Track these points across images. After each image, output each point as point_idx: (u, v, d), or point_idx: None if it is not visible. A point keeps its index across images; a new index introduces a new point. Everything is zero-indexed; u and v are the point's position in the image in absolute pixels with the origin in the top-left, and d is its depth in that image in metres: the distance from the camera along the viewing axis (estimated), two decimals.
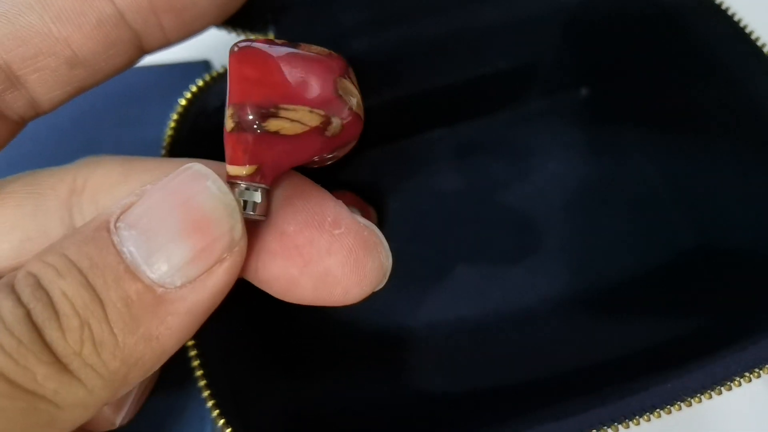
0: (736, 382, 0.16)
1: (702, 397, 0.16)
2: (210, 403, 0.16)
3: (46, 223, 0.13)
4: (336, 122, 0.11)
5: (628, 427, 0.15)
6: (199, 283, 0.11)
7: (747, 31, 0.21)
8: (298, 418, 0.23)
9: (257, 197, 0.11)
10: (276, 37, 0.21)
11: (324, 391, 0.24)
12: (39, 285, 0.10)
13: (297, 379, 0.24)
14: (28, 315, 0.10)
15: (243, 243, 0.11)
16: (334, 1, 0.21)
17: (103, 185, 0.13)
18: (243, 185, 0.11)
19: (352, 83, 0.12)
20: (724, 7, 0.22)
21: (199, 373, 0.16)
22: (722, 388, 0.16)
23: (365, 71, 0.24)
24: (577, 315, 0.24)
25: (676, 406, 0.16)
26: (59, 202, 0.13)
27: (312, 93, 0.11)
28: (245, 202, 0.11)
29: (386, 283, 0.25)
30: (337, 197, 0.25)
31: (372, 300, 0.25)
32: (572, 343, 0.23)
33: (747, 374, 0.16)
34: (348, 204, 0.25)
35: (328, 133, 0.11)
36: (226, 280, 0.11)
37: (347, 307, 0.25)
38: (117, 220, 0.11)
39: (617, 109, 0.28)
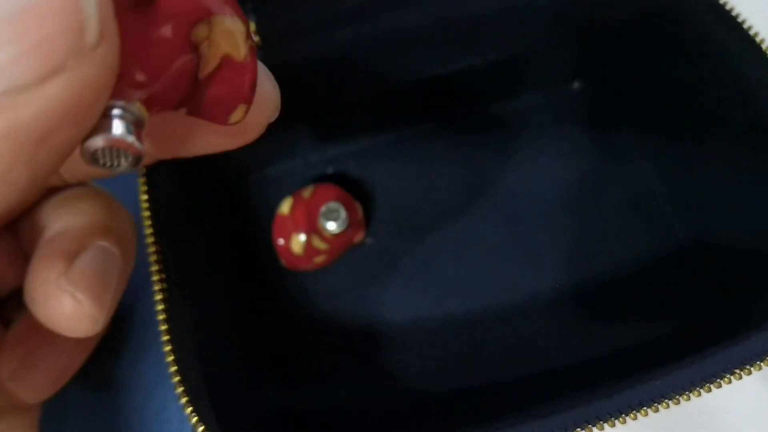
0: (726, 379, 0.15)
1: (691, 394, 0.15)
2: (183, 400, 0.16)
3: None
4: None
5: (613, 425, 0.15)
6: (24, 93, 0.08)
7: (745, 26, 0.21)
8: (280, 418, 0.22)
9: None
10: (258, 28, 0.21)
11: (308, 390, 0.23)
12: None
13: (280, 378, 0.23)
14: None
15: (103, 53, 0.08)
16: None
17: None
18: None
19: None
20: (721, 1, 0.21)
21: (173, 369, 0.16)
22: (711, 386, 0.15)
23: (350, 62, 0.23)
24: (567, 312, 0.24)
25: (664, 403, 0.15)
26: None
27: None
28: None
29: (373, 278, 0.25)
30: (323, 190, 0.25)
31: (359, 295, 0.25)
32: (562, 340, 0.23)
33: (737, 371, 0.15)
34: (333, 198, 0.24)
35: None
36: (66, 98, 0.08)
37: (332, 303, 0.25)
38: None
39: (610, 103, 0.28)
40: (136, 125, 0.09)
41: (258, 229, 0.25)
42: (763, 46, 0.21)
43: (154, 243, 0.17)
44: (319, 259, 0.24)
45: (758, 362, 0.15)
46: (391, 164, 0.27)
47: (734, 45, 0.21)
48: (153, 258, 0.16)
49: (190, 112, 0.10)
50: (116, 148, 0.09)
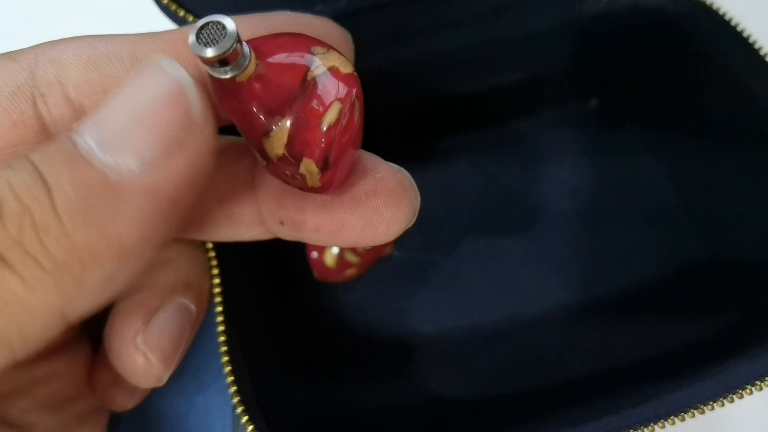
0: (747, 390, 0.16)
1: (714, 404, 0.16)
2: (235, 399, 0.17)
3: None
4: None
5: None
6: (156, 167, 0.10)
7: (750, 41, 0.22)
8: (317, 422, 0.23)
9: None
10: None
11: (343, 396, 0.24)
12: None
13: (317, 384, 0.24)
14: None
15: (207, 128, 0.10)
16: (353, 17, 0.21)
17: None
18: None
19: None
20: (727, 18, 0.22)
21: (230, 379, 0.17)
22: (734, 396, 0.16)
23: (381, 84, 0.24)
24: (589, 322, 0.25)
25: (690, 413, 0.16)
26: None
27: None
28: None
29: (401, 289, 0.26)
30: None
31: (387, 306, 0.26)
32: (585, 350, 0.24)
33: (758, 382, 0.16)
34: None
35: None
36: (188, 164, 0.10)
37: (362, 314, 0.26)
38: (80, 124, 0.10)
39: (627, 119, 0.29)
40: (240, 45, 0.11)
41: (292, 242, 0.26)
42: None
43: (218, 265, 0.18)
44: (350, 272, 0.25)
45: None
46: (417, 178, 0.28)
47: (744, 64, 0.22)
48: (217, 281, 0.17)
49: (296, 118, 0.12)
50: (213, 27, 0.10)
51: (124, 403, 0.17)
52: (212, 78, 0.11)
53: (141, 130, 0.10)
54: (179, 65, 0.11)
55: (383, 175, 0.14)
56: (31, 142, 0.12)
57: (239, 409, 0.17)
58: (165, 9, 0.20)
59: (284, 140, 0.12)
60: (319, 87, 0.12)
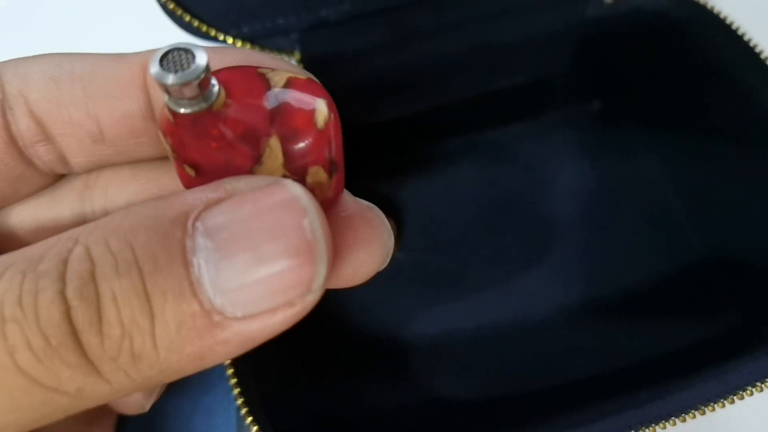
0: (749, 392, 0.16)
1: (716, 405, 0.16)
2: (239, 401, 0.17)
3: (60, 211, 0.14)
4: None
5: None
6: (259, 319, 0.10)
7: (751, 44, 0.22)
8: (321, 423, 0.23)
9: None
10: (302, 56, 0.22)
11: (347, 397, 0.24)
12: (91, 278, 0.09)
13: (321, 385, 0.24)
14: (68, 313, 0.09)
15: (319, 294, 0.10)
16: (358, 20, 0.22)
17: (114, 180, 0.14)
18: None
19: None
20: (728, 21, 0.23)
21: (233, 381, 0.17)
22: (736, 397, 0.16)
23: (386, 87, 0.25)
24: (592, 323, 0.25)
25: (692, 414, 0.16)
26: (72, 191, 0.14)
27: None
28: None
29: (405, 290, 0.26)
30: None
31: (391, 308, 0.26)
32: (588, 351, 0.24)
33: (760, 384, 0.16)
34: None
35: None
36: (288, 323, 0.10)
37: (365, 315, 0.26)
38: (196, 218, 0.10)
39: (629, 121, 0.29)
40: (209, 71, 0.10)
41: None
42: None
43: None
44: None
45: None
46: (421, 181, 0.28)
47: (744, 65, 0.23)
48: None
49: (281, 136, 0.11)
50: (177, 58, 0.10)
51: (134, 406, 0.18)
52: (179, 118, 0.10)
53: (259, 289, 0.10)
54: (318, 218, 0.10)
55: (349, 213, 0.12)
56: (0, 152, 0.13)
57: (243, 410, 0.17)
58: (171, 14, 0.20)
59: (280, 159, 0.11)
60: (291, 101, 0.11)
